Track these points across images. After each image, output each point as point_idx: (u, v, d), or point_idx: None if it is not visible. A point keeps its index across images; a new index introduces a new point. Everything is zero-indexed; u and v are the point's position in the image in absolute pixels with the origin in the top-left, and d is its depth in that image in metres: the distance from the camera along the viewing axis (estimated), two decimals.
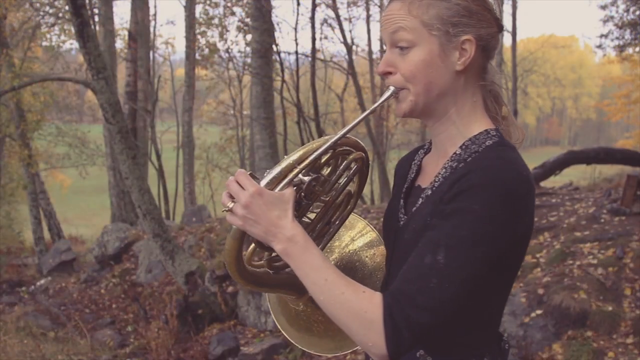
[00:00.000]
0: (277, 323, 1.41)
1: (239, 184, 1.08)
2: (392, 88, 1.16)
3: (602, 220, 5.69)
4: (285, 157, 1.12)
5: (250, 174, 1.09)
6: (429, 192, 1.16)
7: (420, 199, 1.18)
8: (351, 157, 1.21)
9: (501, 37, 1.22)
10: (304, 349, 1.37)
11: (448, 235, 1.02)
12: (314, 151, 1.12)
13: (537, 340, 4.20)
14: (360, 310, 1.02)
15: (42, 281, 9.21)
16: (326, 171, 1.19)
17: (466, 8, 1.12)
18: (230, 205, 1.09)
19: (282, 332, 1.39)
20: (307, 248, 1.08)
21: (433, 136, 1.24)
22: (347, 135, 1.16)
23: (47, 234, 13.66)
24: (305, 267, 1.07)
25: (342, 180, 1.23)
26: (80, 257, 10.54)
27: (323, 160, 1.15)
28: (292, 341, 1.38)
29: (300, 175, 1.11)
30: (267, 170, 1.11)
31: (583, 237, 5.35)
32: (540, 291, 4.55)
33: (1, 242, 14.14)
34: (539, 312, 4.39)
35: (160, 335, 5.86)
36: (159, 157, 14.11)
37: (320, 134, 11.11)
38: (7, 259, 11.71)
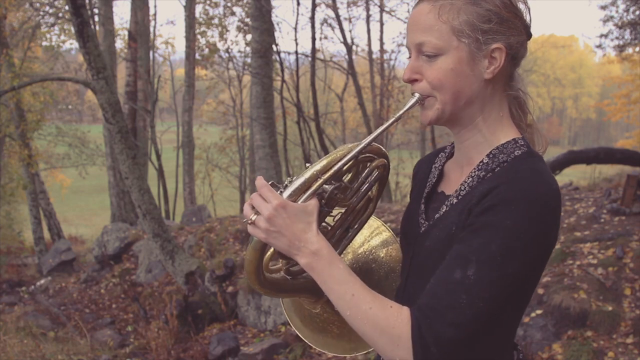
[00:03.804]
0: (290, 323, 1.40)
1: (262, 197, 1.06)
2: (417, 95, 1.13)
3: (602, 220, 5.69)
4: (309, 166, 1.10)
5: (272, 184, 1.07)
6: (454, 200, 1.14)
7: (445, 207, 1.16)
8: (374, 164, 1.19)
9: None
10: (318, 349, 1.36)
11: (479, 250, 1.00)
12: (338, 161, 1.10)
13: (537, 340, 4.20)
14: (388, 325, 1.00)
15: (42, 281, 9.21)
16: (347, 178, 1.17)
17: (498, 15, 1.09)
18: (253, 217, 1.07)
19: (297, 331, 1.38)
20: (333, 262, 1.06)
21: (458, 143, 1.21)
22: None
23: (47, 234, 13.65)
24: (331, 282, 1.05)
25: (364, 187, 1.21)
26: (80, 257, 10.54)
27: (345, 167, 1.13)
28: (306, 341, 1.37)
29: (323, 185, 1.09)
30: (289, 180, 1.09)
31: (583, 237, 5.35)
32: (540, 291, 4.54)
33: (1, 242, 14.14)
34: (539, 312, 4.39)
35: (160, 335, 5.85)
36: (159, 157, 14.09)
37: (320, 134, 11.10)
38: (7, 259, 11.71)
